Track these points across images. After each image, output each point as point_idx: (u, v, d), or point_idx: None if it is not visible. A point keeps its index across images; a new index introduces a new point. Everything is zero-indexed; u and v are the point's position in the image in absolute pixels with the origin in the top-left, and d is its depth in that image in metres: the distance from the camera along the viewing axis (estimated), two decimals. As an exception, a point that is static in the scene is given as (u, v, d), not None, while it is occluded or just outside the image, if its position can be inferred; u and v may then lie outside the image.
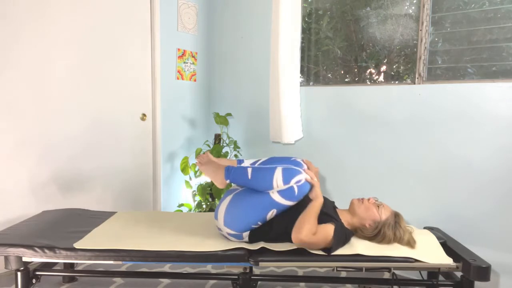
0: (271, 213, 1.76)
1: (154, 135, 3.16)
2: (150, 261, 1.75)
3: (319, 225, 1.72)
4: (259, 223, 1.78)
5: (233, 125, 3.41)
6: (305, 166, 1.95)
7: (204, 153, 2.03)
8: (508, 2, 2.15)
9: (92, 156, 2.76)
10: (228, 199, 1.85)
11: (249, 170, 1.79)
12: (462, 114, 2.25)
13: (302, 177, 1.73)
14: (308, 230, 1.66)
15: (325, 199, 1.99)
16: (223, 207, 1.84)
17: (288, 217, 1.78)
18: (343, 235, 1.78)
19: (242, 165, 2.03)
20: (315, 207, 1.74)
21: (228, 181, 1.84)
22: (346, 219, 1.89)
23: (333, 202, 2.04)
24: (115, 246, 1.77)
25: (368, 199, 1.90)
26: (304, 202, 1.77)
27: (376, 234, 1.82)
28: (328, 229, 1.72)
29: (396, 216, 1.86)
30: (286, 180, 1.71)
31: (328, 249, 1.72)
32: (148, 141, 3.14)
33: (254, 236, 1.82)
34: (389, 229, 1.81)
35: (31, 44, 2.39)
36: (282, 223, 1.79)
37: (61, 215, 2.22)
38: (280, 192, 1.72)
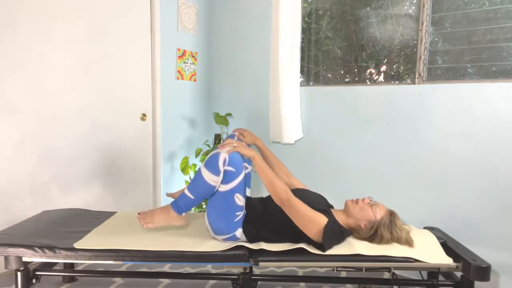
0: (237, 198, 1.77)
1: (154, 135, 3.16)
2: (150, 261, 1.75)
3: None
4: (238, 213, 1.79)
5: (233, 125, 3.41)
6: (236, 133, 2.02)
7: (139, 213, 1.89)
8: (508, 2, 2.15)
9: (92, 156, 2.76)
10: (206, 208, 1.89)
11: (186, 191, 1.77)
12: (462, 114, 2.25)
13: (223, 155, 1.70)
14: (281, 187, 1.69)
15: (322, 199, 1.99)
16: (205, 217, 1.87)
17: (282, 217, 1.77)
18: (337, 230, 1.75)
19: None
20: (259, 164, 1.74)
21: (183, 214, 1.82)
22: (341, 220, 1.86)
23: (326, 200, 2.03)
24: (115, 246, 1.77)
25: (363, 199, 1.87)
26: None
27: (373, 235, 1.80)
28: (321, 219, 1.69)
29: (392, 214, 1.83)
30: (215, 170, 1.69)
31: (321, 244, 1.70)
32: (148, 141, 3.14)
33: (248, 232, 1.82)
34: (385, 228, 1.78)
35: (31, 44, 2.39)
36: (277, 224, 1.80)
37: (61, 215, 2.22)
38: (223, 182, 1.72)
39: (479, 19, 2.25)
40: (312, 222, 1.68)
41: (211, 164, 1.70)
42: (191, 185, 1.77)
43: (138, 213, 1.84)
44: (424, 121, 2.39)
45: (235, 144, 1.77)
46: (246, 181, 1.87)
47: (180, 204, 1.79)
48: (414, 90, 2.43)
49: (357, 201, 1.87)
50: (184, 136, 3.41)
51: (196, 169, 3.08)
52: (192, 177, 3.08)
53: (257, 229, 1.82)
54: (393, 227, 1.80)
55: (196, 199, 1.77)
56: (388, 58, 2.65)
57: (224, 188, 1.74)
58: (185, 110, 3.39)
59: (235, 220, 1.79)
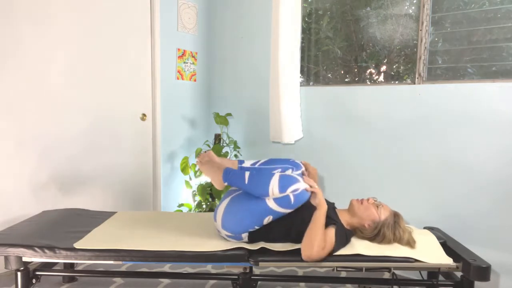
0: (268, 219, 1.75)
1: (154, 135, 3.16)
2: (150, 261, 1.75)
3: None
4: (256, 227, 1.78)
5: (233, 125, 3.41)
6: (303, 168, 1.94)
7: (205, 152, 2.02)
8: (508, 2, 2.15)
9: (92, 156, 2.76)
10: (226, 201, 1.85)
11: (247, 174, 1.77)
12: (462, 114, 2.25)
13: (300, 186, 1.69)
14: (318, 247, 1.63)
15: (325, 200, 1.99)
16: (221, 209, 1.84)
17: (288, 221, 1.78)
18: (343, 236, 1.78)
19: (243, 165, 2.03)
20: (320, 217, 1.69)
21: (226, 184, 1.84)
22: (345, 219, 1.89)
23: (333, 204, 2.04)
24: (115, 246, 1.77)
25: (368, 200, 1.89)
26: (305, 207, 1.75)
27: (376, 235, 1.81)
28: (331, 235, 1.71)
29: (396, 216, 1.85)
30: (283, 188, 1.67)
31: (329, 253, 1.71)
32: (148, 141, 3.14)
33: (254, 237, 1.82)
34: (389, 229, 1.80)
35: (31, 44, 2.39)
36: (282, 227, 1.79)
37: (61, 215, 2.22)
38: (276, 200, 1.70)
39: (479, 19, 2.25)
40: (330, 250, 1.70)
41: (285, 182, 1.68)
42: (256, 176, 1.75)
43: (204, 152, 1.93)
44: (424, 121, 2.39)
45: (316, 187, 1.74)
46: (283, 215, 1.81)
47: (231, 175, 1.80)
48: (414, 90, 2.43)
49: (362, 201, 1.88)
50: (184, 136, 3.41)
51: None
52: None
53: (261, 232, 1.82)
54: (396, 228, 1.81)
55: (245, 186, 1.75)
56: (388, 58, 2.65)
57: (270, 204, 1.71)
58: (185, 110, 3.39)
59: (250, 229, 1.79)
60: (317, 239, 1.64)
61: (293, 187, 1.67)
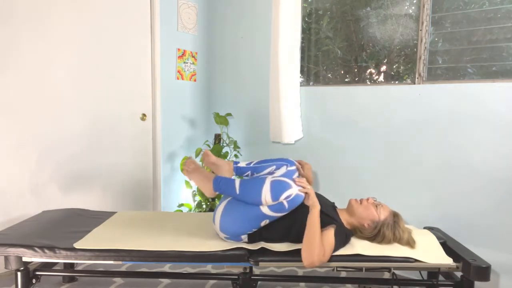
0: (264, 222, 1.76)
1: (154, 135, 3.16)
2: (150, 261, 1.75)
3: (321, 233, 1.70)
4: (254, 230, 1.78)
5: (233, 125, 3.41)
6: (297, 165, 1.94)
7: (189, 158, 1.97)
8: (508, 2, 2.15)
9: (92, 156, 2.76)
10: (223, 204, 1.85)
11: (237, 183, 1.76)
12: (462, 114, 2.25)
13: (293, 191, 1.67)
14: (319, 254, 1.63)
15: (325, 199, 1.99)
16: (219, 212, 1.84)
17: (287, 220, 1.78)
18: (343, 236, 1.78)
19: (239, 165, 2.02)
20: (315, 220, 1.68)
21: (216, 193, 1.83)
22: (345, 219, 1.89)
23: (333, 203, 2.03)
24: (115, 246, 1.77)
25: (367, 199, 1.88)
26: (301, 206, 1.74)
27: (376, 235, 1.81)
28: (330, 237, 1.70)
29: (395, 216, 1.85)
30: (275, 196, 1.66)
31: None
32: (148, 141, 3.14)
33: (253, 237, 1.82)
34: (388, 229, 1.80)
35: (31, 44, 2.39)
36: (281, 227, 1.79)
37: (61, 215, 2.22)
38: (270, 207, 1.70)
39: (479, 19, 2.25)
40: (330, 251, 1.69)
41: (277, 189, 1.67)
42: (246, 184, 1.74)
43: (188, 158, 1.89)
44: (424, 121, 2.39)
45: (309, 187, 1.73)
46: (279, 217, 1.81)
47: (221, 185, 1.79)
48: (414, 90, 2.43)
49: (361, 201, 1.88)
50: (184, 136, 3.41)
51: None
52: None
53: (260, 232, 1.82)
54: (396, 228, 1.81)
55: (237, 196, 1.75)
56: (388, 58, 2.65)
57: (264, 210, 1.71)
58: (185, 110, 3.39)
59: (248, 232, 1.79)
60: (316, 246, 1.63)
61: (285, 194, 1.66)
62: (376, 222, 1.81)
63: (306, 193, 1.71)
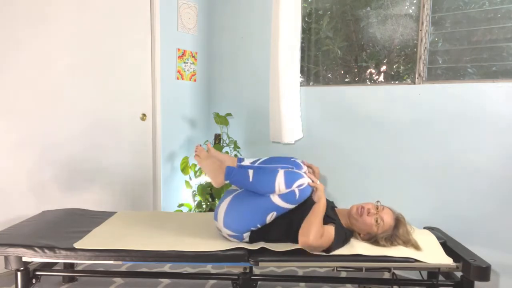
0: (271, 216, 1.75)
1: (154, 135, 3.16)
2: (150, 261, 1.75)
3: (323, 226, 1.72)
4: (259, 225, 1.78)
5: (233, 125, 3.41)
6: (304, 168, 1.94)
7: (201, 146, 1.98)
8: (508, 2, 2.15)
9: (92, 156, 2.76)
10: (227, 200, 1.84)
11: (251, 172, 1.77)
12: (462, 114, 2.25)
13: (305, 181, 1.73)
14: (316, 233, 1.65)
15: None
16: (222, 208, 1.83)
17: (288, 219, 1.78)
18: (342, 235, 1.78)
19: (243, 163, 2.02)
20: (320, 208, 1.73)
21: (227, 182, 1.83)
22: (344, 220, 1.89)
23: (332, 202, 2.03)
24: (115, 246, 1.77)
25: (368, 211, 1.81)
26: (304, 205, 1.76)
27: (372, 242, 1.82)
28: (330, 231, 1.72)
29: (397, 224, 1.82)
30: (289, 184, 1.70)
31: (328, 249, 1.72)
32: (148, 141, 3.14)
33: (254, 237, 1.81)
34: (382, 240, 1.80)
35: (31, 44, 2.39)
36: (283, 225, 1.79)
37: (61, 215, 2.22)
38: (281, 196, 1.71)
39: (479, 19, 2.25)
40: (327, 244, 1.71)
41: (291, 178, 1.71)
42: (260, 173, 1.76)
43: (199, 146, 1.92)
44: (424, 121, 2.39)
45: (319, 183, 1.80)
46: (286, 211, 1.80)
47: (234, 174, 1.80)
48: (414, 90, 2.43)
49: (361, 213, 1.82)
50: (184, 136, 3.41)
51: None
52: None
53: (260, 232, 1.82)
54: (394, 239, 1.80)
55: (250, 184, 1.76)
56: (388, 58, 2.65)
57: (274, 199, 1.72)
58: (185, 110, 3.39)
59: (252, 228, 1.78)
60: (314, 226, 1.66)
61: (298, 182, 1.71)
62: (372, 235, 1.82)
63: (315, 187, 1.77)
